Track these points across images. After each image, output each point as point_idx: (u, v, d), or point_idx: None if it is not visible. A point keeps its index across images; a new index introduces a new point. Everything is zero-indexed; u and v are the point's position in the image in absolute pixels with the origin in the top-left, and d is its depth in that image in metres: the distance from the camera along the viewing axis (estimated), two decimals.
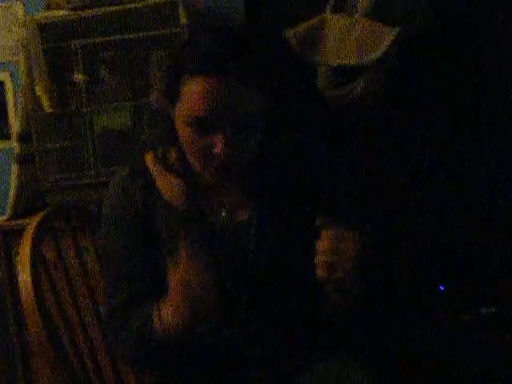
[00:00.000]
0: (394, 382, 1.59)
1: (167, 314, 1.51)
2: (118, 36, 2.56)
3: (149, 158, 1.72)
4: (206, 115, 1.50)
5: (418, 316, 2.45)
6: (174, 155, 1.66)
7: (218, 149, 1.51)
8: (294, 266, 1.64)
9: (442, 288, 2.49)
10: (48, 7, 2.76)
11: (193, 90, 1.50)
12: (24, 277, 1.64)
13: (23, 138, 2.71)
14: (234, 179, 1.63)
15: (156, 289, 1.62)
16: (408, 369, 2.25)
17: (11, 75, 3.13)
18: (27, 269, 1.65)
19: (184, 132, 1.55)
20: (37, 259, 1.70)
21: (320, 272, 1.48)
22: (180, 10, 2.50)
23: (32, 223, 1.76)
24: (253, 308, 1.62)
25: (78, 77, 2.59)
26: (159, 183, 1.68)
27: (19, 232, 1.77)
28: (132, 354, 1.64)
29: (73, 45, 2.59)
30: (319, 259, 1.48)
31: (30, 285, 1.63)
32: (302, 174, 1.69)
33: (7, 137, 3.15)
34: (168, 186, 1.68)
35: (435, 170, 2.69)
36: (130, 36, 2.55)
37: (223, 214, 1.66)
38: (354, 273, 1.47)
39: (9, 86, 3.13)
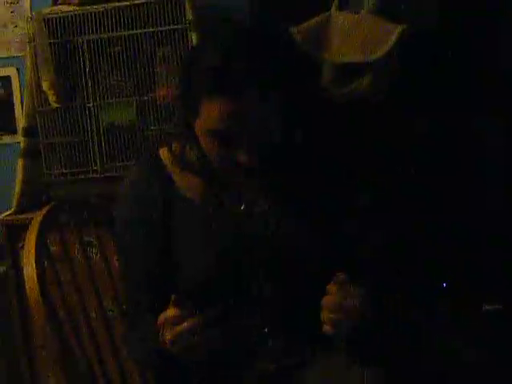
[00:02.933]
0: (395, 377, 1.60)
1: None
2: (125, 32, 2.57)
3: (165, 153, 1.72)
4: (226, 132, 1.52)
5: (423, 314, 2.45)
6: (192, 155, 1.67)
7: (243, 158, 1.54)
8: (311, 256, 1.65)
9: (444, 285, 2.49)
10: (55, 2, 2.76)
11: (211, 109, 1.52)
12: (29, 270, 1.65)
13: (29, 132, 2.72)
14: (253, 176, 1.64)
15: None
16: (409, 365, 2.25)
17: (18, 70, 3.14)
18: (32, 262, 1.66)
19: (205, 140, 1.59)
20: (42, 253, 1.71)
21: (326, 328, 1.53)
22: (186, 6, 2.50)
23: (37, 217, 1.77)
24: (270, 298, 1.63)
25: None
26: (177, 177, 1.69)
27: (25, 226, 1.77)
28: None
29: (79, 40, 2.60)
30: (324, 315, 1.53)
31: (34, 278, 1.64)
32: (314, 169, 1.72)
33: (13, 132, 3.16)
34: (187, 179, 1.69)
35: (441, 169, 2.69)
36: (137, 32, 2.56)
37: (242, 207, 1.67)
38: (360, 327, 1.50)
39: (15, 81, 3.14)
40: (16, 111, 3.16)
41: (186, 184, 1.69)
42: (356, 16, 2.67)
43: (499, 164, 2.65)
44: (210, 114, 1.52)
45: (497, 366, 2.32)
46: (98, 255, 2.02)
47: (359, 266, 1.72)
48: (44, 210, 1.81)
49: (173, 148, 1.72)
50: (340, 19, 2.69)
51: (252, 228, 1.66)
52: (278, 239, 1.65)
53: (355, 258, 1.73)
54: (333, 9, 2.72)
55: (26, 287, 1.66)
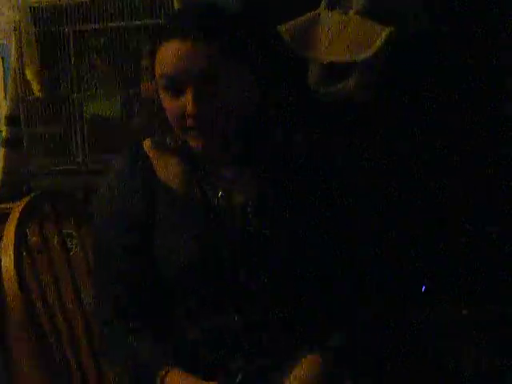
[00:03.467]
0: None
1: None
2: (111, 23, 2.55)
3: (147, 143, 1.73)
4: (175, 75, 1.55)
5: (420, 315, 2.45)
6: (172, 139, 1.68)
7: (188, 107, 1.55)
8: (290, 248, 1.65)
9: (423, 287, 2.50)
10: None
11: (164, 54, 1.56)
12: (7, 261, 1.63)
13: (11, 121, 2.70)
14: (220, 147, 1.65)
15: (151, 293, 1.66)
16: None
17: (2, 58, 3.11)
18: (11, 253, 1.64)
19: (165, 100, 1.60)
20: (21, 244, 1.70)
21: None
22: (174, 0, 2.49)
23: (17, 207, 1.75)
24: (251, 292, 1.63)
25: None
26: (159, 168, 1.69)
27: (4, 216, 1.75)
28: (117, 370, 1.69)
29: (65, 30, 2.58)
30: None
31: (12, 269, 1.62)
32: (296, 164, 1.71)
33: None
34: (168, 168, 1.69)
35: (431, 168, 2.69)
36: (124, 24, 2.55)
37: (220, 193, 1.67)
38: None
39: None
40: None
41: (168, 174, 1.68)
42: (344, 16, 2.67)
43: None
44: (160, 59, 1.57)
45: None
46: (78, 248, 2.00)
47: (339, 263, 1.72)
48: (24, 201, 1.79)
49: (155, 139, 1.72)
50: (328, 19, 2.69)
51: (231, 220, 1.65)
52: (256, 233, 1.64)
53: (337, 255, 1.73)
54: (321, 8, 2.72)
55: (4, 278, 1.64)
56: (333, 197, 1.73)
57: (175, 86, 1.57)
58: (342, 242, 1.72)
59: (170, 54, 1.55)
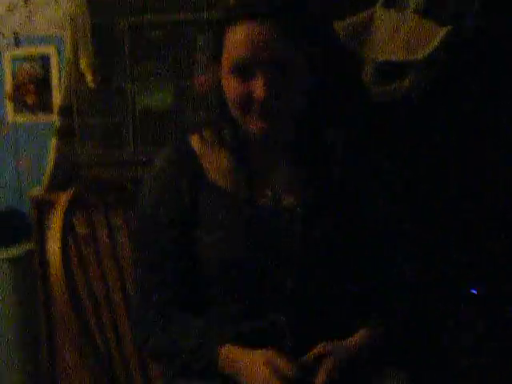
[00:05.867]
0: None
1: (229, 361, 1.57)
2: (167, 16, 2.55)
3: (195, 138, 1.71)
4: (246, 58, 1.55)
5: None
6: (224, 131, 1.68)
7: (258, 91, 1.55)
8: (338, 255, 1.64)
9: (474, 291, 2.46)
10: None
11: (234, 38, 1.57)
12: (54, 248, 1.64)
13: (64, 112, 2.71)
14: (279, 133, 1.64)
15: (191, 290, 1.67)
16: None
17: (57, 49, 3.14)
18: (57, 240, 1.64)
19: (229, 84, 1.60)
20: (68, 232, 1.70)
21: None
22: None
23: (64, 196, 1.75)
24: (296, 295, 1.61)
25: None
26: (206, 164, 1.68)
27: (53, 205, 1.76)
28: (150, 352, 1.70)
29: (121, 22, 2.59)
30: None
31: (58, 256, 1.63)
32: (346, 169, 1.70)
33: (49, 111, 3.16)
34: (216, 165, 1.68)
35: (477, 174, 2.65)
36: (179, 17, 2.54)
37: (269, 193, 1.66)
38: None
39: (54, 59, 3.14)
40: (53, 90, 3.16)
41: (215, 170, 1.67)
42: (401, 15, 2.63)
43: None
44: (232, 42, 1.57)
45: None
46: (125, 239, 2.00)
47: (380, 270, 1.71)
48: (72, 190, 1.79)
49: (204, 134, 1.71)
50: (384, 17, 2.66)
51: (278, 222, 1.64)
52: (303, 236, 1.63)
53: (378, 263, 1.71)
54: (378, 5, 2.69)
55: (51, 266, 1.64)
56: (378, 203, 1.72)
57: (246, 69, 1.57)
58: (382, 246, 1.71)
59: (241, 36, 1.55)
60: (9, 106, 3.20)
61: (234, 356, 1.57)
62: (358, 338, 1.63)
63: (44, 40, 3.14)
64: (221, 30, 1.62)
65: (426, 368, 2.12)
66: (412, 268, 1.77)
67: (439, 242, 2.51)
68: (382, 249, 1.71)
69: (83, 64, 2.60)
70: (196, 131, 1.73)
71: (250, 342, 1.60)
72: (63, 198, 1.74)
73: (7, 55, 3.17)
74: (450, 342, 2.39)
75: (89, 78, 2.62)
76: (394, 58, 2.61)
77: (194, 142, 1.72)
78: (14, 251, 2.98)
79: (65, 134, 2.71)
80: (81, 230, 1.83)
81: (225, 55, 1.60)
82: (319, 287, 1.64)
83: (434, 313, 2.34)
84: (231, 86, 1.60)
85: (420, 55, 2.56)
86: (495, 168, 2.64)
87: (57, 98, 3.10)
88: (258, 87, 1.55)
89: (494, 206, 2.58)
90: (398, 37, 2.61)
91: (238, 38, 1.56)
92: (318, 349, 1.56)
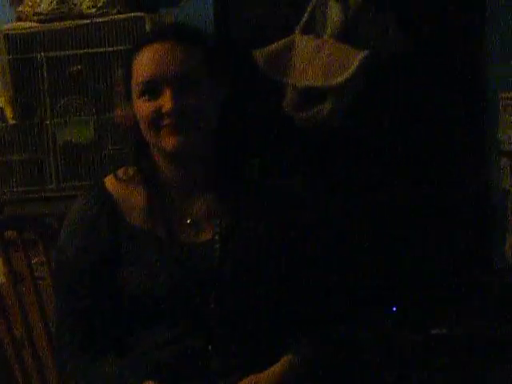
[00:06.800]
0: None
1: None
2: (84, 50, 2.56)
3: (110, 180, 1.71)
4: (152, 76, 1.59)
5: (369, 338, 2.44)
6: (135, 169, 1.67)
7: (166, 105, 1.58)
8: (257, 284, 1.64)
9: (394, 309, 2.50)
10: (18, 19, 2.75)
11: (140, 61, 1.61)
12: None
13: None
14: (192, 148, 1.62)
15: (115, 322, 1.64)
16: None
17: None
18: None
19: (140, 107, 1.62)
20: None
21: None
22: (147, 26, 2.49)
23: None
24: (219, 322, 1.62)
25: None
26: (123, 203, 1.67)
27: None
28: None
29: (39, 57, 2.58)
30: None
31: None
32: (264, 195, 1.70)
33: None
34: (132, 204, 1.67)
35: (405, 189, 2.70)
36: (97, 50, 2.55)
37: (188, 221, 1.66)
38: None
39: None
40: None
41: (132, 210, 1.67)
42: (319, 40, 2.67)
43: None
44: (139, 63, 1.61)
45: None
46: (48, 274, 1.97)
47: (309, 300, 1.72)
48: None
49: (118, 174, 1.70)
50: (303, 43, 2.70)
51: (197, 258, 1.64)
52: (222, 270, 1.63)
53: (305, 292, 1.72)
54: (296, 32, 2.72)
55: None
56: (301, 232, 1.73)
57: (153, 88, 1.59)
58: (308, 272, 1.72)
59: (148, 56, 1.60)
60: None
61: None
62: (282, 365, 1.63)
63: None
64: (130, 57, 1.65)
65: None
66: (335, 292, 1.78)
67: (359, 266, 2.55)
68: (303, 272, 1.72)
69: (2, 99, 2.59)
70: (111, 171, 1.73)
71: (174, 369, 1.60)
72: None
73: None
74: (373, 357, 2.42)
75: (8, 113, 2.60)
76: (313, 83, 2.64)
77: (109, 183, 1.71)
78: None
79: None
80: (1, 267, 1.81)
81: (134, 80, 1.63)
82: (241, 316, 1.64)
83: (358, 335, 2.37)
84: (142, 109, 1.61)
85: (339, 80, 2.60)
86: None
87: None
88: (166, 101, 1.58)
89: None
90: (317, 62, 2.65)
91: (143, 60, 1.61)
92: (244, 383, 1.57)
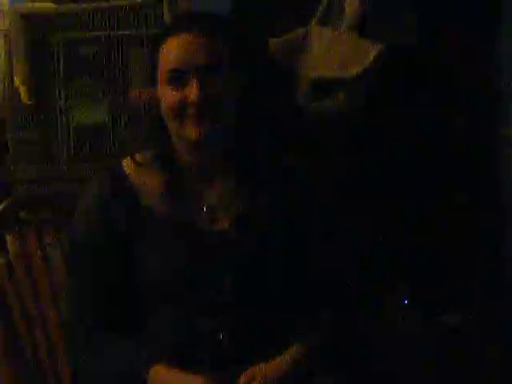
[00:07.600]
0: None
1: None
2: (101, 32, 2.56)
3: (127, 162, 1.71)
4: (180, 66, 1.62)
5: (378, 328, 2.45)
6: (153, 153, 1.69)
7: (192, 94, 1.60)
8: (271, 271, 1.66)
9: (405, 301, 2.51)
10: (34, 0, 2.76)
11: (168, 50, 1.65)
12: None
13: None
14: (215, 139, 1.65)
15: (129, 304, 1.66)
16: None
17: None
18: None
19: (165, 95, 1.64)
20: None
21: None
22: (164, 11, 2.49)
23: None
24: (232, 308, 1.63)
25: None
26: (140, 187, 1.68)
27: None
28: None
29: (55, 38, 2.59)
30: None
31: None
32: (281, 184, 1.71)
33: None
34: (151, 187, 1.68)
35: (417, 183, 2.70)
36: (113, 33, 2.55)
37: (204, 209, 1.67)
38: None
39: None
40: None
41: (149, 194, 1.67)
42: (335, 32, 2.67)
43: None
44: (166, 53, 1.64)
45: None
46: (60, 256, 1.98)
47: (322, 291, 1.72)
48: (3, 205, 1.77)
49: (136, 157, 1.71)
50: (319, 34, 2.69)
51: (213, 244, 1.65)
52: (238, 256, 1.64)
53: (318, 282, 1.73)
54: (313, 23, 2.72)
55: None
56: (318, 221, 1.74)
57: (180, 77, 1.62)
58: (322, 261, 1.73)
59: (176, 46, 1.63)
60: None
61: (166, 380, 1.57)
62: (290, 354, 1.64)
63: None
64: (157, 45, 1.68)
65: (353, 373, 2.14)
66: (346, 280, 1.79)
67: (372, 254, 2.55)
68: (318, 264, 1.73)
69: (18, 79, 2.59)
70: (129, 154, 1.73)
71: (186, 354, 1.61)
72: None
73: None
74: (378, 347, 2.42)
75: (23, 93, 2.60)
76: (328, 74, 2.64)
77: (127, 166, 1.72)
78: None
79: None
80: (12, 246, 1.82)
81: (160, 68, 1.65)
82: (255, 302, 1.65)
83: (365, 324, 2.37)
84: (167, 96, 1.64)
85: (353, 72, 2.60)
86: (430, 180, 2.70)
87: None
88: (193, 91, 1.60)
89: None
90: (333, 54, 2.64)
91: (174, 48, 1.63)
92: (250, 372, 1.58)
